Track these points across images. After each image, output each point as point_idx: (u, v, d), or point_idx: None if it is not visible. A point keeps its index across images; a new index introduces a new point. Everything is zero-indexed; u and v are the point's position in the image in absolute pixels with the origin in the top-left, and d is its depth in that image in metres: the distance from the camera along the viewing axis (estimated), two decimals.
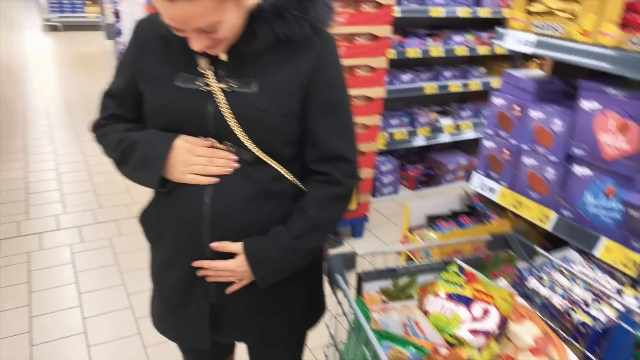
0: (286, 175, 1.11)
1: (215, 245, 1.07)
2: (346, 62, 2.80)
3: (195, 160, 1.05)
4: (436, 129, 4.03)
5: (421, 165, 4.21)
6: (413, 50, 3.68)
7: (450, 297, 1.20)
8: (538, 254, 1.29)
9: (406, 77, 3.84)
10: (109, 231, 3.31)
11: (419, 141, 3.94)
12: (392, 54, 3.51)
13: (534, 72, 1.90)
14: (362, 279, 1.21)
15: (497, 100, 1.77)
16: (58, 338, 2.36)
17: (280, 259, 1.08)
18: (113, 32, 8.10)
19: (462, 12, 3.73)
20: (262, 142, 1.05)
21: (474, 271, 1.20)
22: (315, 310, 1.30)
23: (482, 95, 4.50)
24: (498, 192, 1.78)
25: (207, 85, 1.03)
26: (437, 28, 4.04)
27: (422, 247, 1.33)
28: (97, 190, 3.88)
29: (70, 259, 2.99)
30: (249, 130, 1.04)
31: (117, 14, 7.11)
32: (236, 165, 1.06)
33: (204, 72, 1.04)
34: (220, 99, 1.02)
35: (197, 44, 0.97)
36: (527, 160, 1.68)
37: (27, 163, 4.31)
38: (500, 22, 4.23)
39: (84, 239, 3.21)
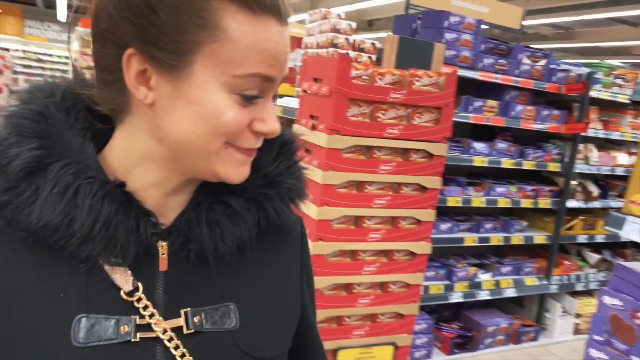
0: None
1: None
2: (390, 212, 2.50)
3: None
4: (474, 285, 3.62)
5: (457, 325, 3.73)
6: (454, 199, 3.42)
7: None
8: None
9: (444, 225, 3.52)
10: None
11: (456, 297, 3.51)
12: None
13: None
14: None
15: (610, 300, 1.40)
16: None
17: None
18: None
19: (506, 163, 3.53)
20: None
21: None
22: None
23: (523, 249, 4.14)
24: None
25: (146, 327, 0.56)
26: (478, 175, 3.81)
27: None
28: None
29: None
30: None
31: None
32: None
33: (133, 300, 0.56)
34: (178, 352, 0.57)
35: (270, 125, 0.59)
36: None
37: None
38: (542, 173, 4.03)
39: None
